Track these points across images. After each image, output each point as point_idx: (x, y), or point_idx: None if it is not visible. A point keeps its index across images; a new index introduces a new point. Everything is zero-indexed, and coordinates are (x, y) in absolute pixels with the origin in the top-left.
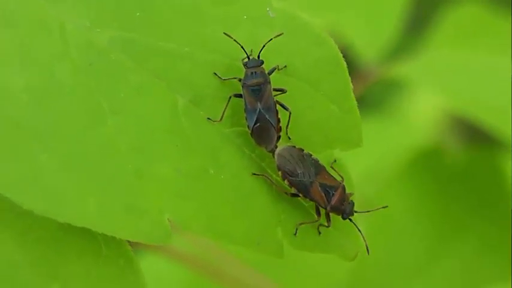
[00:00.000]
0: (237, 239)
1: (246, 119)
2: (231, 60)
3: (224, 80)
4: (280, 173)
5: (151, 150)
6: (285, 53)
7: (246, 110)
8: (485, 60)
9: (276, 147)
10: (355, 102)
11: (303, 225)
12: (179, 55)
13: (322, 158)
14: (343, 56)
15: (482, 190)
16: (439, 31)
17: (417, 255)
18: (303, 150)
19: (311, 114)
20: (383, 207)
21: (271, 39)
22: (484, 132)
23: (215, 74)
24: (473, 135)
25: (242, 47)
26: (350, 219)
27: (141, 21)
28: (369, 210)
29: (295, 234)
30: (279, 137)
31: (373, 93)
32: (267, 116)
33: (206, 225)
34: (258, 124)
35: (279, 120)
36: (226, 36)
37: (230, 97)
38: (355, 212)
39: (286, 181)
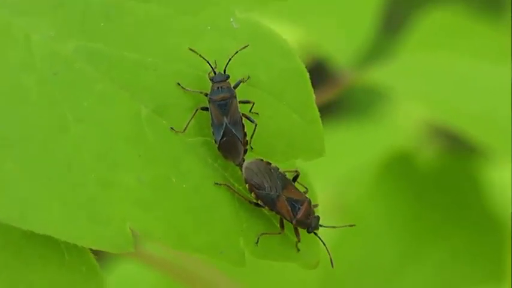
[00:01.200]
0: (199, 247)
1: (213, 134)
2: (194, 70)
3: (188, 91)
4: (247, 186)
5: (114, 159)
6: (249, 63)
7: (212, 125)
8: (461, 65)
9: (243, 160)
10: (318, 112)
11: (265, 235)
12: (143, 65)
13: (285, 167)
14: (320, 63)
15: (456, 195)
16: (413, 35)
17: (391, 259)
18: (270, 163)
19: (274, 125)
20: (350, 225)
21: (237, 52)
22: (462, 139)
23: (178, 84)
24: (453, 141)
25: (208, 62)
26: (315, 233)
27: (106, 31)
28: (335, 226)
29: (256, 243)
30: (245, 151)
31: (353, 98)
32: (233, 130)
33: (168, 234)
34: (225, 138)
35: (245, 134)
36: (190, 46)
37: (197, 110)
38: (321, 226)
39: (253, 194)
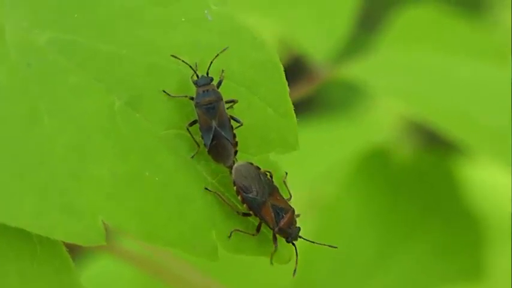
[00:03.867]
0: (172, 241)
1: (202, 138)
2: (168, 62)
3: (173, 97)
4: (235, 188)
5: (87, 152)
6: (222, 56)
7: (201, 129)
8: (439, 61)
9: (234, 162)
10: (291, 105)
11: (238, 232)
12: (117, 57)
13: (258, 160)
14: (297, 58)
15: (434, 191)
16: (390, 31)
17: (368, 255)
18: (259, 168)
19: (247, 118)
20: (330, 246)
21: (218, 55)
22: (440, 136)
23: (164, 91)
24: (431, 138)
25: (191, 67)
26: (293, 244)
27: (80, 22)
28: (314, 241)
29: (229, 237)
30: (235, 152)
31: (331, 95)
32: (223, 133)
33: (140, 227)
34: (215, 142)
35: (234, 135)
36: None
37: (187, 128)
38: (300, 237)
39: (239, 197)
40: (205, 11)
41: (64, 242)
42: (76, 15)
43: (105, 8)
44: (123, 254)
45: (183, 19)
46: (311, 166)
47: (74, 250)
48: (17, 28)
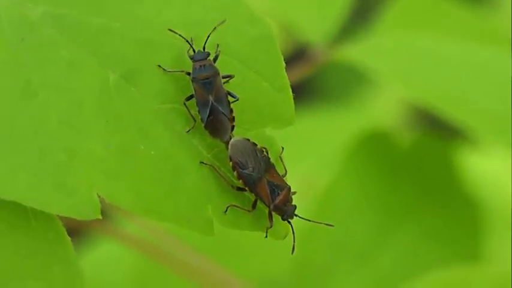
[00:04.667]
0: (167, 215)
1: (199, 112)
2: (162, 37)
3: (169, 72)
4: (230, 163)
5: (81, 126)
6: (218, 30)
7: (197, 104)
8: (438, 45)
9: (231, 138)
10: (288, 80)
11: (234, 207)
12: (110, 31)
13: (254, 136)
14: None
15: (433, 175)
16: (388, 15)
17: (365, 237)
18: (256, 144)
19: (243, 92)
20: (326, 224)
21: (215, 28)
22: (443, 122)
23: (159, 66)
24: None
25: (187, 41)
26: (289, 222)
27: None
28: (311, 220)
29: (225, 212)
30: (233, 127)
31: (332, 82)
32: (220, 108)
33: (135, 201)
34: (212, 117)
35: (231, 110)
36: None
37: (184, 103)
38: (296, 216)
39: (235, 172)
40: None
41: (65, 224)
42: None
43: None
44: (125, 238)
45: None
46: (310, 152)
47: (77, 234)
48: (10, 3)
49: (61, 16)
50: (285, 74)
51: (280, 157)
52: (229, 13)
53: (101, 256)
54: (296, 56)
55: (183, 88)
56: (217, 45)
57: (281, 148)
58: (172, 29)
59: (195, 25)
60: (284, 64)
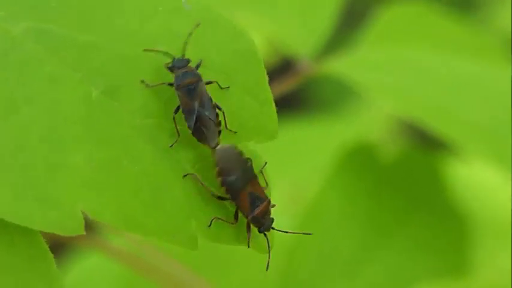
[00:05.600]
0: (150, 230)
1: (185, 120)
2: (143, 51)
3: (151, 86)
4: (217, 169)
5: (64, 141)
6: (201, 45)
7: (183, 111)
8: (423, 58)
9: (218, 143)
10: (271, 94)
11: (218, 220)
12: (94, 46)
13: None
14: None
15: (419, 188)
16: (374, 28)
17: (352, 250)
18: (242, 153)
19: (226, 106)
20: (304, 233)
21: (191, 33)
22: (429, 135)
23: (142, 81)
24: (421, 137)
25: (168, 54)
26: (265, 235)
27: (57, 11)
28: (289, 231)
29: (209, 226)
30: (219, 132)
31: (319, 94)
32: (206, 113)
33: (119, 216)
34: (198, 123)
35: (217, 115)
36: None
37: (173, 117)
38: (273, 229)
39: (219, 179)
40: (183, 0)
41: (50, 237)
42: (53, 4)
43: None
44: (111, 252)
45: (160, 8)
46: (296, 164)
47: (63, 247)
48: None
49: (45, 31)
50: (268, 88)
51: (261, 171)
52: (211, 27)
53: (87, 269)
54: (282, 68)
55: (166, 102)
56: (201, 60)
57: (264, 162)
58: (149, 48)
59: (178, 39)
60: (267, 78)
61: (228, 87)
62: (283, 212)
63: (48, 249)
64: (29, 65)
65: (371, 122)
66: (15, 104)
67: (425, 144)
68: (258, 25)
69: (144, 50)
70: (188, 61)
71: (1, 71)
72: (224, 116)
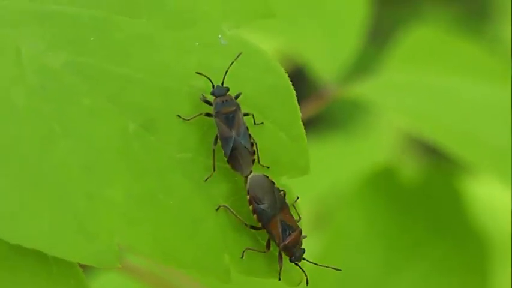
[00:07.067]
0: (186, 263)
1: (222, 147)
2: (181, 85)
3: (188, 120)
4: (248, 197)
5: (102, 174)
6: (236, 79)
7: (220, 139)
8: (445, 81)
9: (251, 172)
10: (303, 130)
11: (250, 251)
12: (131, 80)
13: None
14: (304, 75)
15: (439, 208)
16: (398, 50)
17: (373, 272)
18: (274, 183)
19: (259, 142)
20: (333, 268)
21: (232, 63)
22: (446, 154)
23: (179, 116)
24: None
25: (210, 79)
26: (297, 264)
27: (95, 45)
28: (318, 264)
29: (242, 257)
30: (253, 161)
31: (337, 113)
32: (242, 142)
33: (155, 249)
34: (234, 151)
35: (252, 144)
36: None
37: (213, 149)
38: (304, 259)
39: (251, 206)
40: (219, 36)
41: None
42: (92, 39)
43: (120, 32)
44: (129, 269)
45: (196, 43)
46: (317, 184)
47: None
48: (33, 50)
49: (83, 65)
50: (301, 124)
51: (293, 205)
52: (247, 62)
53: (105, 285)
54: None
55: (202, 136)
56: (239, 93)
57: (296, 197)
58: (200, 72)
59: (214, 74)
60: (300, 114)
61: (262, 123)
62: (310, 231)
63: (85, 279)
64: (68, 98)
65: (385, 139)
66: (54, 136)
67: (438, 160)
68: (285, 50)
69: (196, 72)
70: (228, 89)
71: (40, 103)
72: (257, 149)
